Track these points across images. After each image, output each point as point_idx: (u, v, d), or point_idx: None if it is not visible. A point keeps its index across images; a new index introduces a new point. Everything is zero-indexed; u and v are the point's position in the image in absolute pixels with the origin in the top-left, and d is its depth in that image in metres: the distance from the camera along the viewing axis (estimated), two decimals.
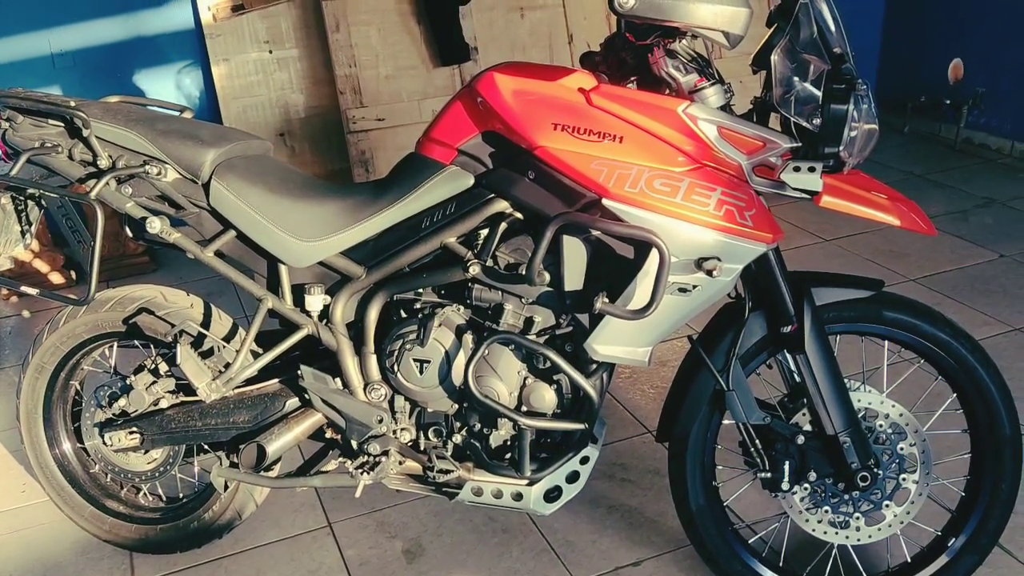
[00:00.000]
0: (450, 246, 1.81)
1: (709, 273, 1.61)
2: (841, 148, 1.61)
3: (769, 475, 1.83)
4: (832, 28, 1.63)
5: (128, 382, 2.06)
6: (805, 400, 1.81)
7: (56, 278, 3.77)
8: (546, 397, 1.82)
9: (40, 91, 2.06)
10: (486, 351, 1.78)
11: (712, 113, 1.64)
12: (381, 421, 1.90)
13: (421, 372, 1.84)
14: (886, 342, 1.87)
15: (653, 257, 1.61)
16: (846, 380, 1.83)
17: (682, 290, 1.65)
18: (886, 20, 5.25)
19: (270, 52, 3.94)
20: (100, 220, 1.82)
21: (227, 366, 1.92)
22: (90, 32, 3.74)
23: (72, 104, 1.92)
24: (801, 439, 1.82)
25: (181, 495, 2.27)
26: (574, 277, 1.73)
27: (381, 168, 3.77)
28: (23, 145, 1.93)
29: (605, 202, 1.62)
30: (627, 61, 1.83)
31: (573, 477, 1.90)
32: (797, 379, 1.86)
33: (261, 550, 2.26)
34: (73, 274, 3.82)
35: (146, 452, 2.13)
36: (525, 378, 1.82)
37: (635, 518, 2.30)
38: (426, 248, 1.82)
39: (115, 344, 2.18)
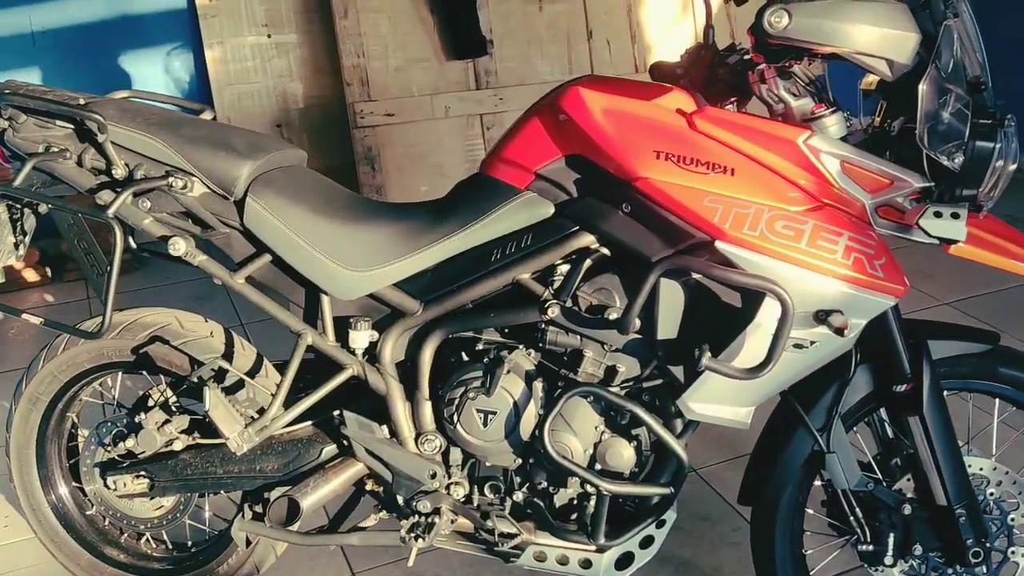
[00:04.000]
0: (524, 283, 1.59)
1: (839, 331, 1.41)
2: (981, 190, 1.43)
3: (871, 547, 1.65)
4: (975, 52, 1.44)
5: (136, 419, 1.80)
6: (912, 465, 1.63)
7: (31, 275, 3.47)
8: (624, 455, 1.61)
9: (40, 85, 1.80)
10: (564, 404, 1.57)
11: (835, 145, 1.44)
12: (434, 476, 1.68)
13: (485, 424, 1.62)
14: (997, 400, 1.69)
15: (772, 309, 1.41)
16: None
17: (798, 346, 1.46)
18: None
19: (268, 36, 3.66)
20: (119, 242, 1.58)
21: (261, 411, 1.68)
22: (73, 9, 3.43)
23: (82, 102, 1.67)
24: (908, 509, 1.64)
25: (190, 543, 2.02)
26: (668, 325, 1.52)
27: (388, 167, 3.53)
28: (26, 148, 1.67)
29: (719, 244, 1.42)
30: (720, 77, 1.62)
31: (647, 542, 1.70)
32: (891, 437, 1.69)
33: None
34: (49, 271, 3.52)
35: (153, 498, 1.89)
36: (603, 433, 1.62)
37: (689, 574, 2.10)
38: (496, 283, 1.60)
39: (119, 374, 1.93)
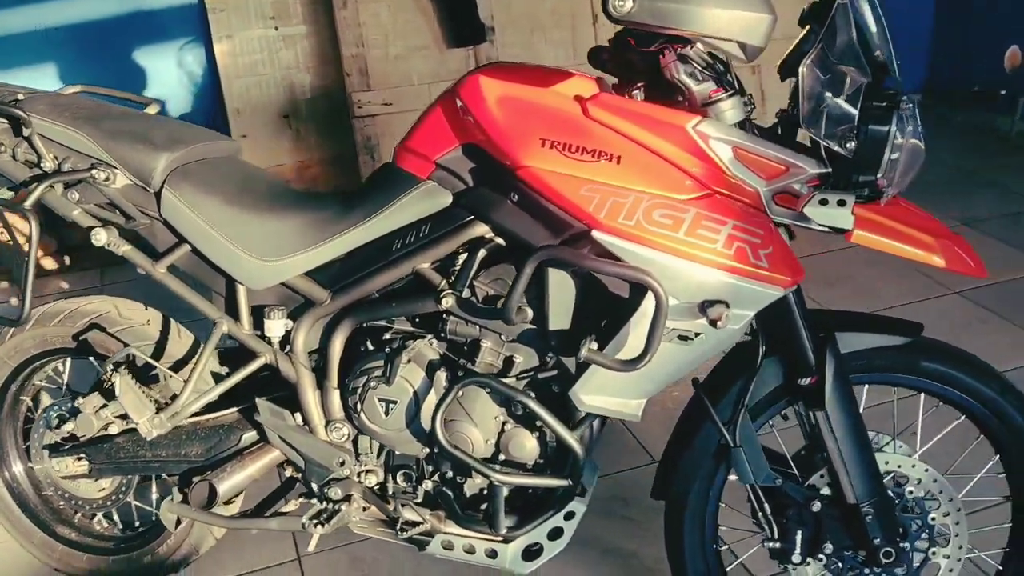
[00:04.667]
0: (423, 272, 1.59)
1: (712, 323, 1.38)
2: (879, 176, 1.37)
3: (778, 545, 1.61)
4: (875, 31, 1.38)
5: (76, 404, 1.87)
6: (827, 461, 1.58)
7: (48, 263, 3.61)
8: (527, 446, 1.60)
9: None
10: (460, 394, 1.57)
11: (727, 131, 1.40)
12: (343, 464, 1.70)
13: (387, 413, 1.63)
14: (923, 394, 1.63)
15: (649, 301, 1.39)
16: (874, 435, 1.60)
17: (683, 337, 1.43)
18: (938, 3, 4.90)
19: (276, 29, 3.72)
20: (34, 231, 1.64)
21: (174, 398, 1.72)
22: (85, 6, 3.54)
23: (19, 97, 1.73)
24: (817, 505, 1.59)
25: (138, 524, 2.08)
26: (560, 316, 1.51)
27: (387, 156, 3.55)
28: None
29: (595, 234, 1.39)
30: (635, 64, 1.59)
31: (556, 534, 1.69)
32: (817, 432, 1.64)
33: None
34: (67, 259, 3.66)
35: (96, 480, 1.95)
36: (504, 423, 1.61)
37: (631, 566, 2.08)
38: (398, 273, 1.61)
39: (69, 359, 2.00)
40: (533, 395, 1.53)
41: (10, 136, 1.74)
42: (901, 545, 1.58)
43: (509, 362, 1.58)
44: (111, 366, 1.73)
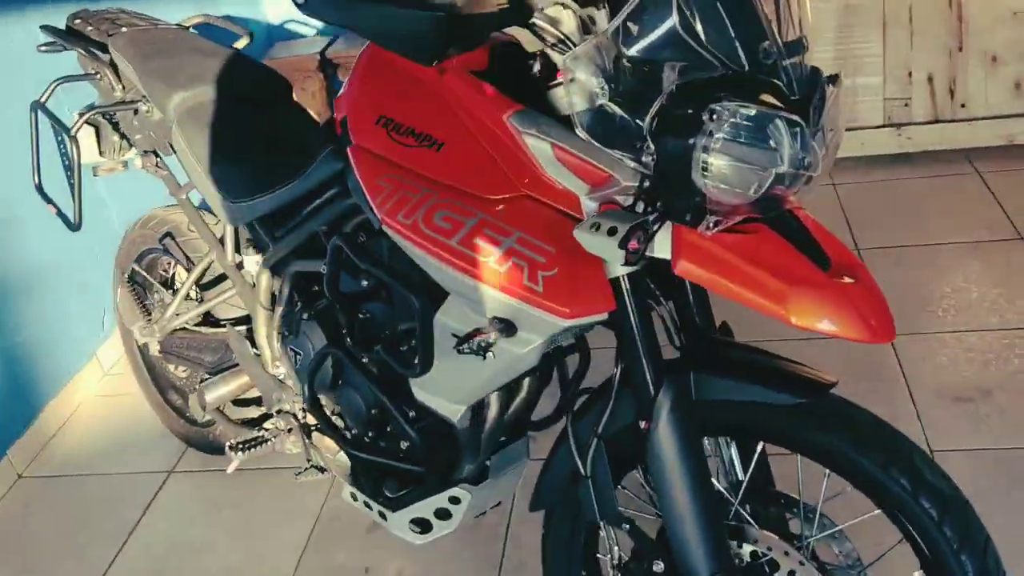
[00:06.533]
0: (321, 237, 1.59)
1: (481, 347, 1.23)
2: (697, 199, 1.08)
3: None
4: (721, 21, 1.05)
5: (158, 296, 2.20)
6: None
7: None
8: (390, 426, 1.57)
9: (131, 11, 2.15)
10: (329, 361, 1.58)
11: (546, 125, 1.19)
12: (280, 400, 1.80)
13: (295, 363, 1.69)
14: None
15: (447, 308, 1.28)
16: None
17: (480, 352, 1.28)
18: None
19: None
20: (76, 153, 1.92)
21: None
22: None
23: (110, 35, 2.01)
24: (661, 566, 1.35)
25: None
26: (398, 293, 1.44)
27: None
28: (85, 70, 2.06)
29: (384, 228, 1.30)
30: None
31: (444, 514, 1.64)
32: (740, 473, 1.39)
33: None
34: None
35: (173, 366, 2.28)
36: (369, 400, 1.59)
37: None
38: (302, 235, 1.63)
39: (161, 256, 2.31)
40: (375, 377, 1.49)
41: (105, 66, 2.03)
42: None
43: (371, 338, 1.53)
44: (125, 277, 2.00)
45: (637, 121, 1.07)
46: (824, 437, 1.23)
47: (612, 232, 1.10)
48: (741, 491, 1.34)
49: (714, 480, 1.37)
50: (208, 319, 2.10)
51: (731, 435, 1.34)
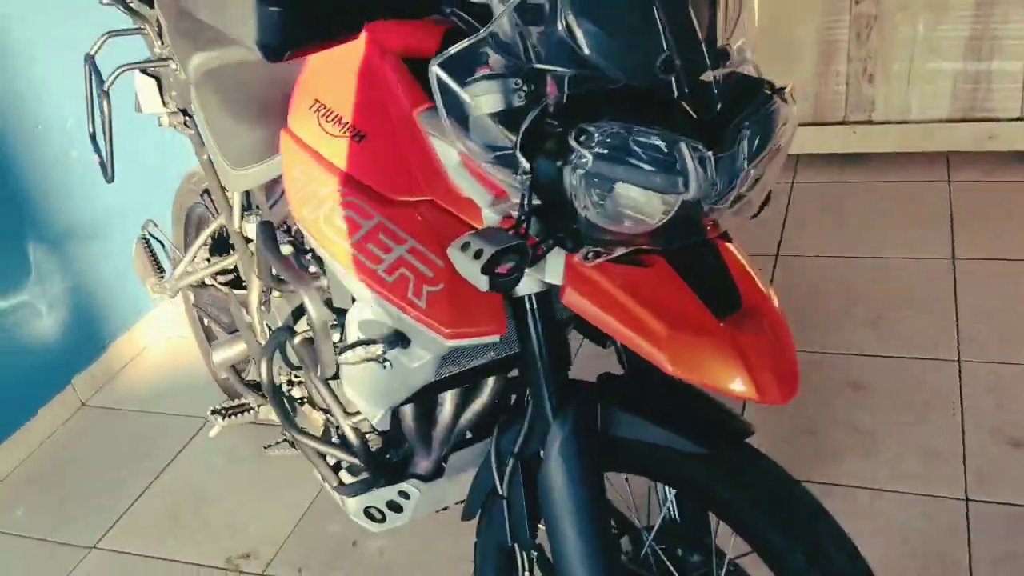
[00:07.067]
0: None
1: (373, 356, 1.17)
2: (573, 225, 0.98)
3: None
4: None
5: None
6: None
7: None
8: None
9: None
10: (291, 340, 1.56)
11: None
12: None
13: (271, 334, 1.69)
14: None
15: (355, 311, 1.24)
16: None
17: (380, 361, 1.23)
18: None
19: None
20: (106, 110, 1.97)
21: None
22: None
23: None
24: None
25: None
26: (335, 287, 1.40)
27: None
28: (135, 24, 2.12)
29: (298, 221, 1.25)
30: None
31: (395, 507, 1.61)
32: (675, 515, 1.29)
33: None
34: None
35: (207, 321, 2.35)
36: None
37: None
38: (281, 213, 1.61)
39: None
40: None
41: (149, 22, 2.08)
42: None
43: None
44: (142, 235, 2.05)
45: (511, 136, 0.97)
46: (727, 491, 1.10)
47: (478, 255, 1.00)
48: (654, 531, 1.23)
49: (635, 517, 1.27)
50: (233, 280, 2.14)
51: (639, 475, 1.22)
